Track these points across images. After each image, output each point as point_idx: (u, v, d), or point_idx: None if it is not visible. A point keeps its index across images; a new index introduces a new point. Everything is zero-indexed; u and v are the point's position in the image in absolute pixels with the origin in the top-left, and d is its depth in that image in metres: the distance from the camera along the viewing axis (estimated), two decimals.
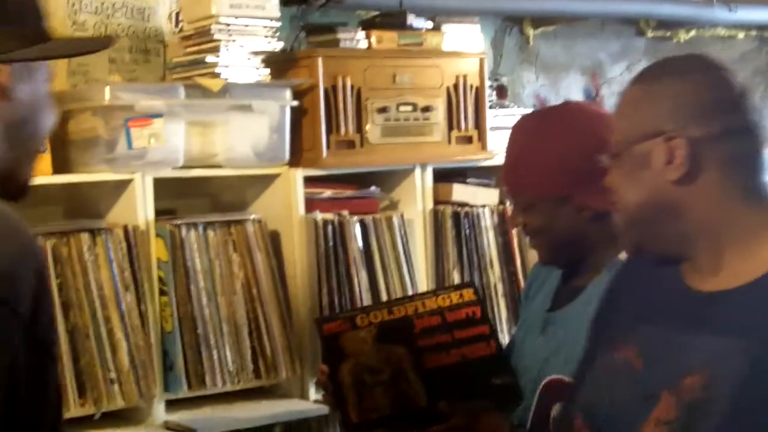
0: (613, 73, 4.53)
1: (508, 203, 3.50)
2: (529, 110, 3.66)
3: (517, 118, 3.51)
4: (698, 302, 1.60)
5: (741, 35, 4.70)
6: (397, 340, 2.26)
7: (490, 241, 3.46)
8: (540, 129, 2.28)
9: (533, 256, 3.46)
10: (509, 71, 4.20)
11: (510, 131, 2.34)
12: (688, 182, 1.57)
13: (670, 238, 1.62)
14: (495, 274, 3.46)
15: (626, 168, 1.62)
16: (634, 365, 1.65)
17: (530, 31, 4.29)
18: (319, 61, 3.14)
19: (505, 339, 2.91)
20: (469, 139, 3.40)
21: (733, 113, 1.58)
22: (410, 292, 3.27)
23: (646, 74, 1.65)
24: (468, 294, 2.32)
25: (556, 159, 2.21)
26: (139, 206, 2.91)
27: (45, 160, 2.76)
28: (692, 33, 4.61)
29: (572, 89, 4.41)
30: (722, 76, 1.61)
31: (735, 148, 1.57)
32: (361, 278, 3.21)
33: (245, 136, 3.08)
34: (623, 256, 2.32)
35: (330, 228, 3.16)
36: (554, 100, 4.34)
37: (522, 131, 2.32)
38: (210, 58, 3.01)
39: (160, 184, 2.96)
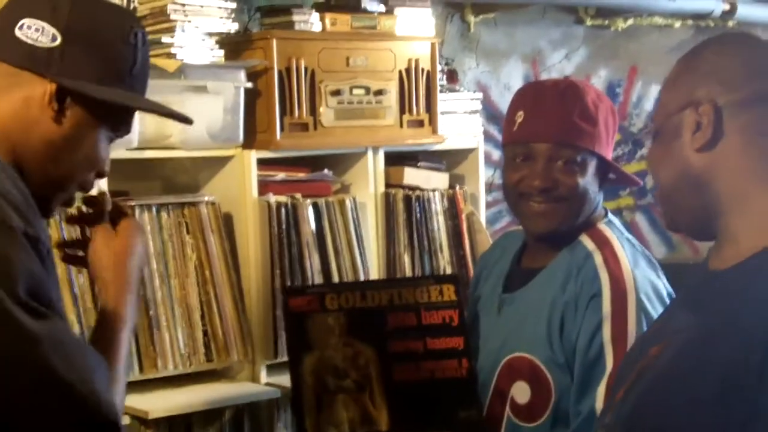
0: (553, 60, 4.58)
1: (459, 187, 3.54)
2: (472, 96, 3.71)
3: (468, 101, 3.56)
4: (702, 278, 1.60)
5: (678, 24, 4.77)
6: (367, 336, 2.19)
7: (440, 225, 3.48)
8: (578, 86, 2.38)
9: (482, 240, 3.51)
10: (451, 57, 4.22)
11: (530, 95, 2.41)
12: (709, 149, 1.53)
13: (697, 213, 1.58)
14: (445, 257, 3.47)
15: (663, 144, 1.60)
16: (647, 335, 1.71)
17: (471, 18, 4.32)
18: (274, 42, 3.12)
19: None
20: (420, 123, 3.41)
21: (763, 80, 1.53)
22: (362, 276, 3.28)
23: (689, 52, 1.62)
24: (449, 292, 2.25)
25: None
26: (93, 188, 2.86)
27: None
28: (630, 21, 4.67)
29: (513, 76, 4.45)
30: (759, 46, 1.59)
31: (760, 116, 1.52)
32: (313, 261, 3.21)
33: (200, 118, 3.04)
34: (583, 238, 2.36)
35: (283, 211, 3.15)
36: (495, 87, 4.37)
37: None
38: (166, 39, 2.98)
39: (113, 165, 2.88)
